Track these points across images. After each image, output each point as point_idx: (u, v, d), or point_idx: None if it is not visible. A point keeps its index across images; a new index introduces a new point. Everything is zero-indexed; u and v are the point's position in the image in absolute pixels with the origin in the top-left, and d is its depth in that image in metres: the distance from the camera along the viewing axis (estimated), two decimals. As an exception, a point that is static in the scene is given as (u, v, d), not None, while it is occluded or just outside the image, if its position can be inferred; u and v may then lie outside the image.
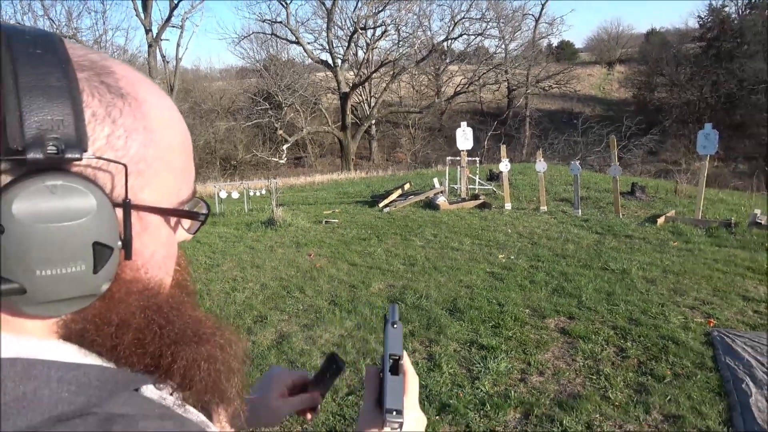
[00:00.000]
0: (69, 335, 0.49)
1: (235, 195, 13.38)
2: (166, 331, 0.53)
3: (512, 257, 6.98)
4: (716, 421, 3.21)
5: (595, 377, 3.78)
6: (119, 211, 0.49)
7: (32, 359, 0.45)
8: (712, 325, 4.60)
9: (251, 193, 13.61)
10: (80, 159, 0.45)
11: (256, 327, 4.87)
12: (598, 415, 3.31)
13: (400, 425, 0.70)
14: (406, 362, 0.79)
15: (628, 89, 40.17)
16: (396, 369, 0.77)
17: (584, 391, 3.58)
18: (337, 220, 10.01)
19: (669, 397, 3.47)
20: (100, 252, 0.47)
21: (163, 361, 0.53)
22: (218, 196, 12.79)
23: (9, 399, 0.42)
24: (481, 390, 3.61)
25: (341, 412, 3.38)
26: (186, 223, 0.61)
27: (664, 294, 5.39)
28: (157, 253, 0.54)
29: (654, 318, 4.76)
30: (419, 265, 6.72)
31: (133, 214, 0.50)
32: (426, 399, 3.51)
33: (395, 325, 0.85)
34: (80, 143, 0.45)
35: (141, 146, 0.50)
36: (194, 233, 0.62)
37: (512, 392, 3.57)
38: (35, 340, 0.47)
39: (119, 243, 0.48)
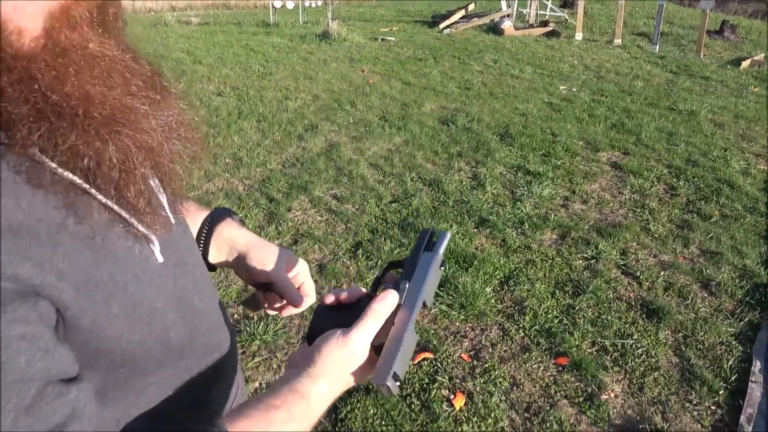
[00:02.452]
0: None
1: (290, 5, 12.80)
2: (15, 88, 0.43)
3: (574, 89, 6.63)
4: (755, 261, 3.21)
5: (639, 210, 3.76)
6: None
7: None
8: (775, 173, 4.40)
9: (306, 4, 13.00)
10: None
11: (307, 135, 4.95)
12: (634, 244, 3.35)
13: (390, 395, 0.60)
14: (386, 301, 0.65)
15: None
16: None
17: (625, 222, 3.60)
18: (393, 39, 9.57)
19: (711, 235, 3.46)
20: None
21: (20, 132, 0.44)
22: (272, 5, 12.27)
23: None
24: (522, 211, 3.67)
25: (383, 216, 3.54)
26: None
27: (730, 139, 5.11)
28: None
29: (713, 161, 4.57)
30: (475, 90, 6.50)
31: None
32: (466, 213, 3.61)
33: (442, 267, 0.70)
34: None
35: None
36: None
37: (552, 215, 3.62)
38: None
39: None
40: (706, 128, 5.35)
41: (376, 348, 0.63)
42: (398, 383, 0.61)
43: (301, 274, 0.84)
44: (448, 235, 0.70)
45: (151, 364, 0.57)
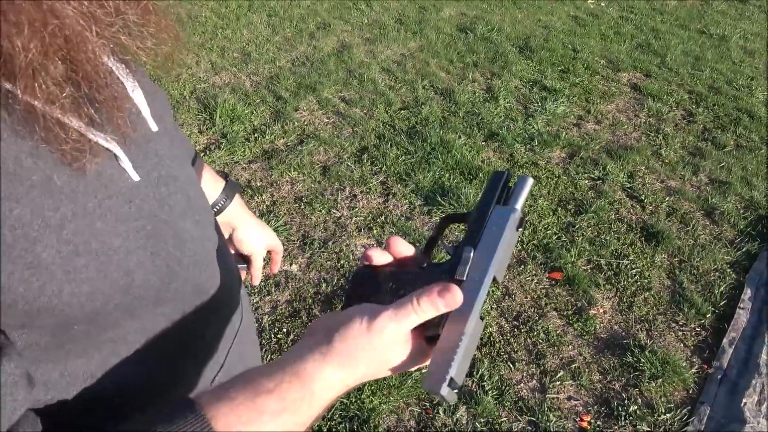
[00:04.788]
0: None
1: None
2: None
3: (603, 4, 6.29)
4: (763, 193, 3.18)
5: (653, 135, 3.68)
6: None
7: None
8: (799, 106, 4.25)
9: None
10: None
11: (319, 33, 4.77)
12: (643, 168, 3.31)
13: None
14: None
15: None
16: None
17: (637, 145, 3.53)
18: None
19: (723, 165, 3.40)
20: None
21: None
22: None
23: None
24: (533, 127, 3.60)
25: (392, 123, 3.48)
26: None
27: (759, 68, 4.90)
28: None
29: (737, 90, 4.41)
30: (498, -3, 6.17)
31: None
32: (476, 125, 3.54)
33: (521, 228, 0.52)
34: None
35: None
36: None
37: (563, 134, 3.55)
38: None
39: None
40: (735, 55, 5.12)
41: (429, 337, 0.49)
42: (456, 390, 0.46)
43: (278, 255, 1.00)
44: (530, 182, 0.52)
45: (117, 314, 0.47)
